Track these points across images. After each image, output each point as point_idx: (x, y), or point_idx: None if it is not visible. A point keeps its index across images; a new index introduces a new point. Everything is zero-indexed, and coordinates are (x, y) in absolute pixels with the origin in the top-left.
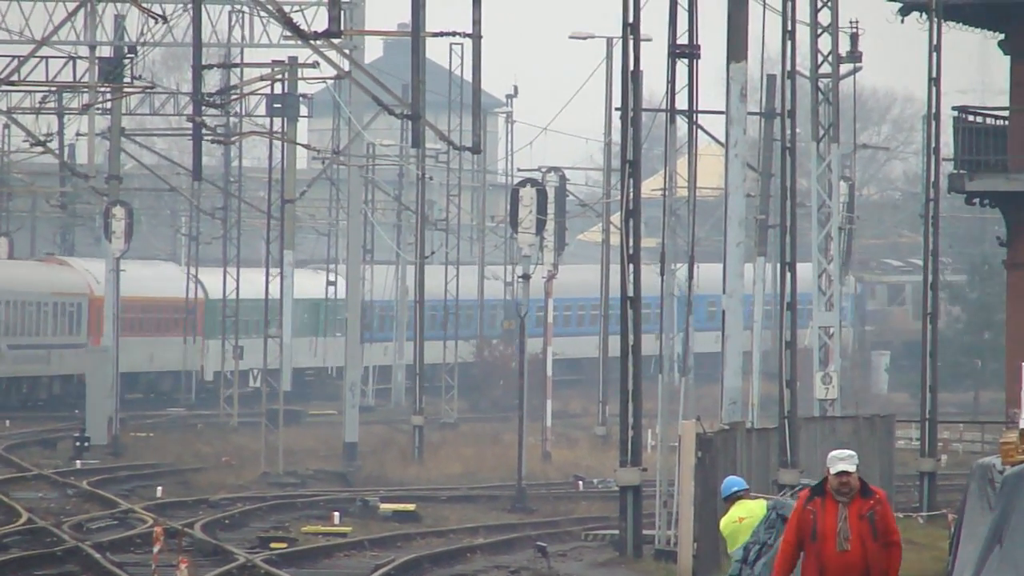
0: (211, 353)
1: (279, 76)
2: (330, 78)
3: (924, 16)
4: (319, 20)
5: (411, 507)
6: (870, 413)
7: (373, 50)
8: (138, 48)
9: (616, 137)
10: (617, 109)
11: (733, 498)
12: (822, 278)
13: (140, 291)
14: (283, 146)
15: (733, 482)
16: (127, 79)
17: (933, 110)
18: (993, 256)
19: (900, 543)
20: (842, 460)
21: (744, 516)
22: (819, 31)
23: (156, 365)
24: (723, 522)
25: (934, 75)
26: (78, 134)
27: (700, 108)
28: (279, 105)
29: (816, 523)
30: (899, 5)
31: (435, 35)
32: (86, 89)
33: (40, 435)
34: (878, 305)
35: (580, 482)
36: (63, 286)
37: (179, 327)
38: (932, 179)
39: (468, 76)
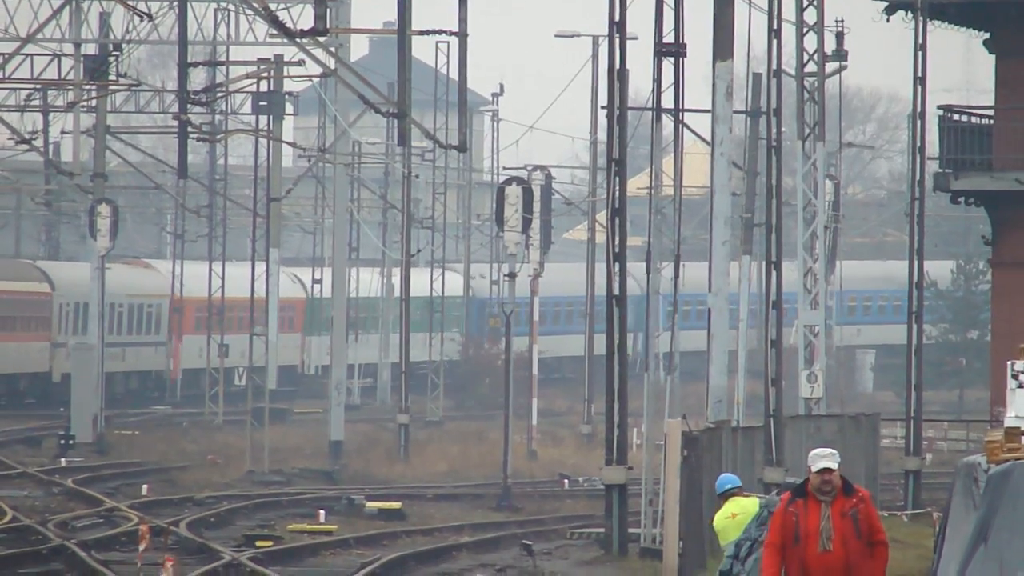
0: (314, 350)
1: (265, 74)
2: (316, 76)
3: (909, 15)
4: (305, 18)
5: (397, 505)
6: (855, 412)
7: (359, 48)
8: (123, 46)
9: (602, 135)
10: (603, 107)
11: (727, 495)
12: (807, 276)
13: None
14: (269, 144)
15: (728, 479)
16: (112, 77)
17: (918, 109)
18: (978, 255)
19: (886, 542)
20: (823, 458)
21: (737, 512)
22: (805, 30)
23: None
24: (716, 517)
25: (919, 74)
26: (63, 132)
27: (686, 107)
28: (265, 103)
29: (799, 525)
30: (884, 4)
31: (421, 33)
32: (71, 87)
33: (24, 433)
34: None
35: (566, 480)
36: (143, 288)
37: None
38: (917, 178)
39: (454, 74)
